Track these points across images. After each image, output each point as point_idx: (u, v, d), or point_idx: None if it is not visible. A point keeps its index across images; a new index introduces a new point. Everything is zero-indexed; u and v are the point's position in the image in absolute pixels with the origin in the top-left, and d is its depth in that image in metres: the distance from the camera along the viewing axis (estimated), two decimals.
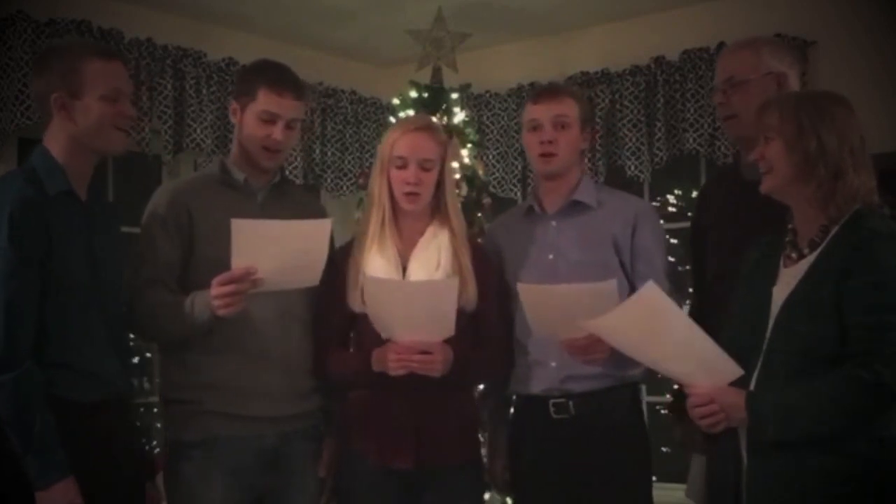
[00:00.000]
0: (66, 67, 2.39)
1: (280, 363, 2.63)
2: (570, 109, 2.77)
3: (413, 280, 2.62)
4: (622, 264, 2.72)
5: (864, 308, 2.09)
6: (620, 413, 2.72)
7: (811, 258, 2.22)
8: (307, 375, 2.70)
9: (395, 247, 2.67)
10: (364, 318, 2.62)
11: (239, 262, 2.38)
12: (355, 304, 2.65)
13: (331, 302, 2.69)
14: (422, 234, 2.70)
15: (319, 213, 2.87)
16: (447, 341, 2.54)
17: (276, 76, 2.68)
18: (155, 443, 3.06)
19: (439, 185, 2.70)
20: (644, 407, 3.11)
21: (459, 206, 2.79)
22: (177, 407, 2.64)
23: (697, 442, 2.77)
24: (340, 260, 2.72)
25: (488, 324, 2.67)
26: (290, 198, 2.79)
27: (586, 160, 4.58)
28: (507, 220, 3.02)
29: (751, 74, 2.69)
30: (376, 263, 2.65)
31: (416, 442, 2.61)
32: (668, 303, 2.18)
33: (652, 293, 2.19)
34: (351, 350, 2.79)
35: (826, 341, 2.13)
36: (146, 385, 3.94)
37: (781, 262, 2.30)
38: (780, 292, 2.24)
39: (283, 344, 2.64)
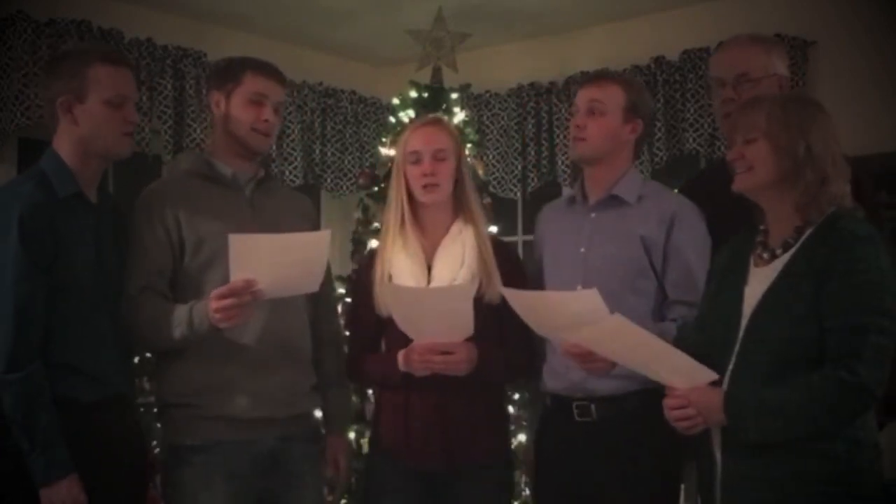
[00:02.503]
0: (72, 72, 2.42)
1: (277, 365, 2.61)
2: (607, 96, 2.68)
3: (427, 287, 2.62)
4: (653, 266, 2.64)
5: (843, 310, 2.09)
6: (644, 419, 2.55)
7: (785, 258, 2.22)
8: (305, 377, 2.70)
9: (419, 245, 2.67)
10: (391, 320, 2.63)
11: (237, 274, 2.36)
12: (381, 308, 2.65)
13: (360, 306, 2.71)
14: (446, 231, 2.70)
15: (306, 208, 2.87)
16: (475, 338, 2.54)
17: (259, 61, 2.71)
18: (155, 443, 3.04)
19: (458, 180, 2.71)
20: None
21: (479, 202, 2.79)
22: (176, 411, 2.62)
23: (689, 447, 2.73)
24: (367, 264, 2.74)
25: (511, 320, 2.64)
26: (276, 193, 2.78)
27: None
28: (553, 208, 2.94)
29: (762, 73, 2.68)
30: (402, 263, 2.65)
31: (445, 442, 2.61)
32: (634, 329, 2.21)
33: (617, 324, 2.22)
34: (382, 352, 2.79)
35: (802, 342, 2.12)
36: (146, 385, 3.93)
37: (752, 262, 2.30)
38: (753, 292, 2.24)
39: (280, 346, 2.62)
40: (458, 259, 2.65)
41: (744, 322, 2.22)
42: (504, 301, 2.58)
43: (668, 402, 2.24)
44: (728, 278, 2.33)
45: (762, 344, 2.17)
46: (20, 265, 2.31)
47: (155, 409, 2.77)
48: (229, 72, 2.69)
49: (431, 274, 2.65)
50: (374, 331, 2.72)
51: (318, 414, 2.85)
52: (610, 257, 2.63)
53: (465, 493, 2.64)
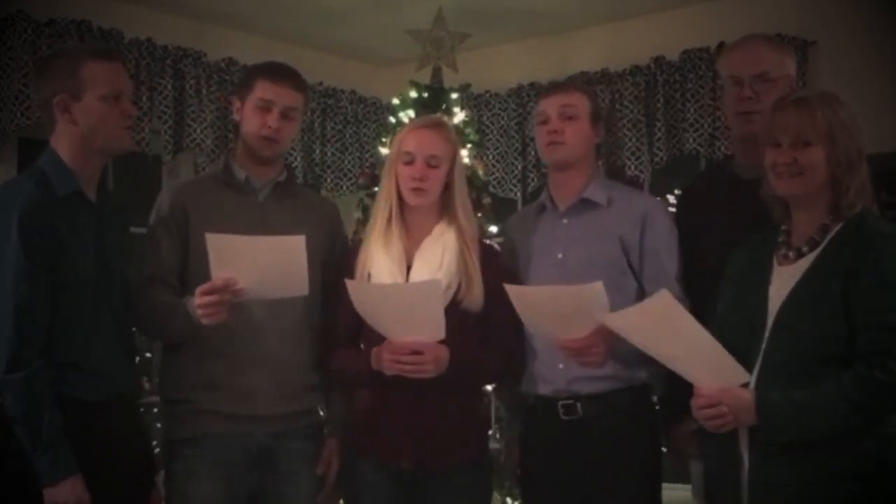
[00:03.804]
0: (65, 71, 2.42)
1: (272, 365, 2.63)
2: (577, 101, 2.76)
3: (387, 284, 2.61)
4: (630, 264, 2.69)
5: (875, 308, 2.09)
6: (630, 416, 2.67)
7: (811, 257, 2.21)
8: (298, 377, 2.70)
9: (401, 245, 2.67)
10: None
11: (218, 273, 2.40)
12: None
13: (339, 300, 2.69)
14: (429, 232, 2.69)
15: (328, 212, 2.88)
16: (453, 342, 2.52)
17: (272, 68, 2.74)
18: (155, 442, 3.06)
19: (448, 185, 2.70)
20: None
21: (470, 206, 2.78)
22: (171, 406, 2.68)
23: (692, 448, 2.74)
24: (349, 258, 2.72)
25: (495, 324, 2.65)
26: (294, 197, 2.79)
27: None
28: (522, 218, 3.00)
29: (779, 73, 2.68)
30: (381, 262, 2.64)
31: (415, 441, 2.60)
32: (679, 310, 2.18)
33: (664, 301, 2.19)
34: (361, 347, 2.77)
35: (831, 341, 2.12)
36: (146, 385, 3.93)
37: (775, 262, 2.29)
38: (778, 291, 2.23)
39: (275, 346, 2.64)
40: (436, 261, 2.64)
41: (770, 321, 2.22)
42: (486, 306, 2.61)
43: (697, 402, 2.22)
44: (749, 279, 2.32)
45: (790, 342, 2.17)
46: (20, 264, 2.31)
47: (155, 409, 2.80)
48: (245, 79, 2.77)
49: (409, 274, 2.64)
50: (351, 325, 2.68)
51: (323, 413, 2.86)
52: (589, 259, 2.66)
53: (440, 494, 2.63)
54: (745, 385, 2.18)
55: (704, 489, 2.48)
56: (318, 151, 5.38)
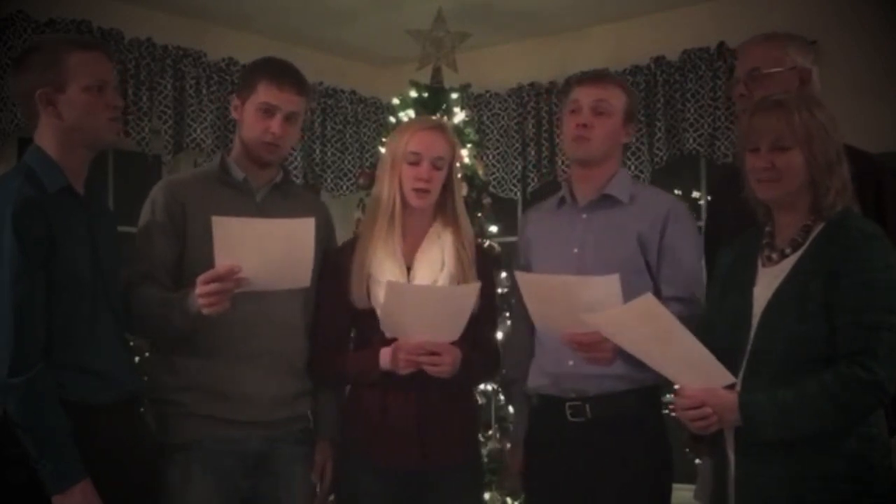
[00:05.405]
0: (46, 63, 2.33)
1: (267, 368, 2.60)
2: (613, 97, 2.69)
3: (437, 286, 2.61)
4: (648, 263, 2.65)
5: (856, 307, 2.10)
6: (639, 418, 2.63)
7: (793, 258, 2.22)
8: (295, 380, 2.68)
9: (399, 246, 2.67)
10: (369, 314, 2.61)
11: (222, 260, 2.32)
12: (360, 301, 2.63)
13: (332, 301, 2.68)
14: (424, 233, 2.69)
15: (322, 214, 2.84)
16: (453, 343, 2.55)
17: (276, 69, 2.67)
18: None
19: (446, 186, 2.70)
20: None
21: (464, 208, 2.77)
22: (162, 408, 2.62)
23: (705, 445, 2.73)
24: (341, 258, 2.71)
25: (483, 326, 2.67)
26: (291, 198, 2.76)
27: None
28: (540, 210, 2.94)
29: (775, 67, 2.67)
30: (383, 263, 2.63)
31: (421, 442, 2.60)
32: (663, 311, 2.18)
33: (648, 303, 2.19)
34: (351, 348, 2.77)
35: (814, 340, 2.13)
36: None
37: (759, 263, 2.30)
38: (763, 292, 2.24)
39: (270, 348, 2.61)
40: (437, 262, 2.64)
41: (754, 322, 2.22)
42: (479, 307, 2.60)
43: (681, 403, 2.22)
44: (734, 280, 2.32)
45: (774, 343, 2.17)
46: (17, 263, 2.21)
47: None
48: (247, 78, 2.70)
49: (410, 275, 2.64)
50: (346, 326, 2.68)
51: None
52: (605, 256, 2.63)
53: (436, 493, 2.64)
54: (731, 386, 2.18)
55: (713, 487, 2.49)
56: (318, 151, 5.38)
